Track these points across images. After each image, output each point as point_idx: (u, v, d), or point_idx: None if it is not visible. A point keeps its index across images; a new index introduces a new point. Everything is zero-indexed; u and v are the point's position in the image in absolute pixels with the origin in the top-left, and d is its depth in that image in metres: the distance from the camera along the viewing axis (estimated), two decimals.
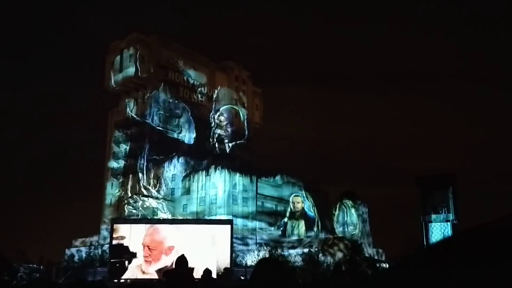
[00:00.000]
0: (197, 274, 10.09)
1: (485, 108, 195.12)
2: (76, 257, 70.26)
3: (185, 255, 7.02)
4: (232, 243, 32.43)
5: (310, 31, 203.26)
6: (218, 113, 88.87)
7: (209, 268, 9.48)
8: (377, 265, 41.42)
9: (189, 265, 6.93)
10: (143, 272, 30.49)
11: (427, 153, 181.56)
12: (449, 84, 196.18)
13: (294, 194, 79.74)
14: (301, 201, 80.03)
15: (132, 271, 30.65)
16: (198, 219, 59.67)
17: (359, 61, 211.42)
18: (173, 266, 7.26)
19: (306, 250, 61.40)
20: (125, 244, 31.37)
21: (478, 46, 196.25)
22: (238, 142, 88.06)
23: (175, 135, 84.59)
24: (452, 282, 0.80)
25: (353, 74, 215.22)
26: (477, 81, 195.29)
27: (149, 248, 31.02)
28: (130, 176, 79.46)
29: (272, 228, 75.58)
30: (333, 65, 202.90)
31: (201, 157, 78.16)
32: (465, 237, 0.88)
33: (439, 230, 70.65)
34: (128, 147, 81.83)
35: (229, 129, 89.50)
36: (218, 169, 73.46)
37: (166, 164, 78.67)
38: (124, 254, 31.10)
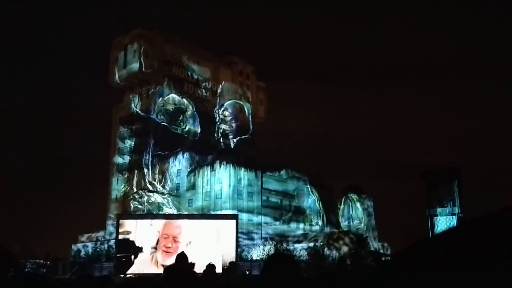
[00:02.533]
0: (202, 269, 10.07)
1: (490, 101, 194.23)
2: (83, 253, 70.64)
3: (189, 251, 7.05)
4: (237, 237, 32.47)
5: (314, 27, 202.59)
6: (222, 108, 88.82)
7: (212, 263, 9.45)
8: (383, 259, 41.35)
9: (191, 261, 6.93)
10: (159, 265, 29.93)
11: (432, 147, 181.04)
12: (453, 78, 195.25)
13: (299, 189, 79.76)
14: (306, 196, 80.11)
15: (140, 265, 30.67)
16: (203, 214, 59.71)
17: (363, 56, 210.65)
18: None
19: (311, 244, 61.36)
20: (131, 239, 31.49)
21: (482, 40, 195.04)
22: (242, 137, 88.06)
23: (180, 131, 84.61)
24: (450, 277, 0.78)
25: (357, 68, 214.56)
26: (481, 75, 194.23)
27: (174, 240, 30.90)
28: (135, 171, 79.63)
29: (277, 223, 75.63)
30: (337, 60, 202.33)
31: (206, 152, 78.15)
32: (463, 230, 0.86)
33: (444, 223, 70.35)
34: (133, 143, 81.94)
35: (233, 124, 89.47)
36: (223, 164, 73.46)
37: (171, 160, 78.75)
38: (130, 249, 31.22)
